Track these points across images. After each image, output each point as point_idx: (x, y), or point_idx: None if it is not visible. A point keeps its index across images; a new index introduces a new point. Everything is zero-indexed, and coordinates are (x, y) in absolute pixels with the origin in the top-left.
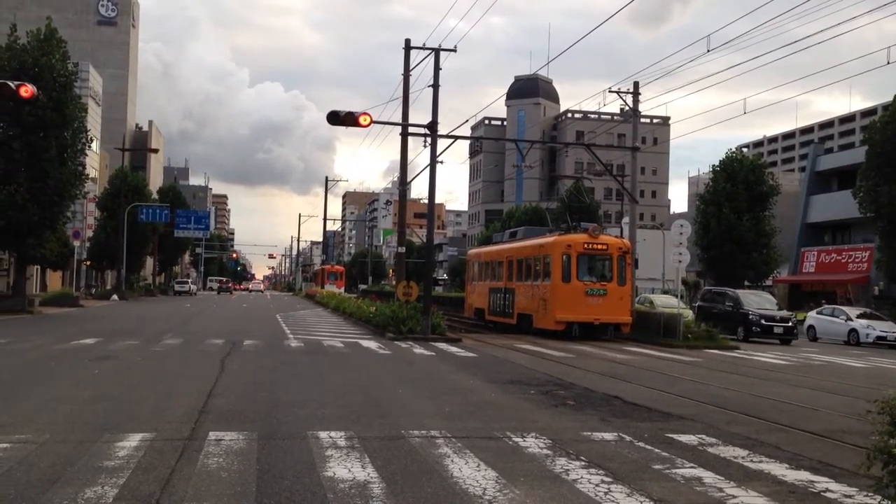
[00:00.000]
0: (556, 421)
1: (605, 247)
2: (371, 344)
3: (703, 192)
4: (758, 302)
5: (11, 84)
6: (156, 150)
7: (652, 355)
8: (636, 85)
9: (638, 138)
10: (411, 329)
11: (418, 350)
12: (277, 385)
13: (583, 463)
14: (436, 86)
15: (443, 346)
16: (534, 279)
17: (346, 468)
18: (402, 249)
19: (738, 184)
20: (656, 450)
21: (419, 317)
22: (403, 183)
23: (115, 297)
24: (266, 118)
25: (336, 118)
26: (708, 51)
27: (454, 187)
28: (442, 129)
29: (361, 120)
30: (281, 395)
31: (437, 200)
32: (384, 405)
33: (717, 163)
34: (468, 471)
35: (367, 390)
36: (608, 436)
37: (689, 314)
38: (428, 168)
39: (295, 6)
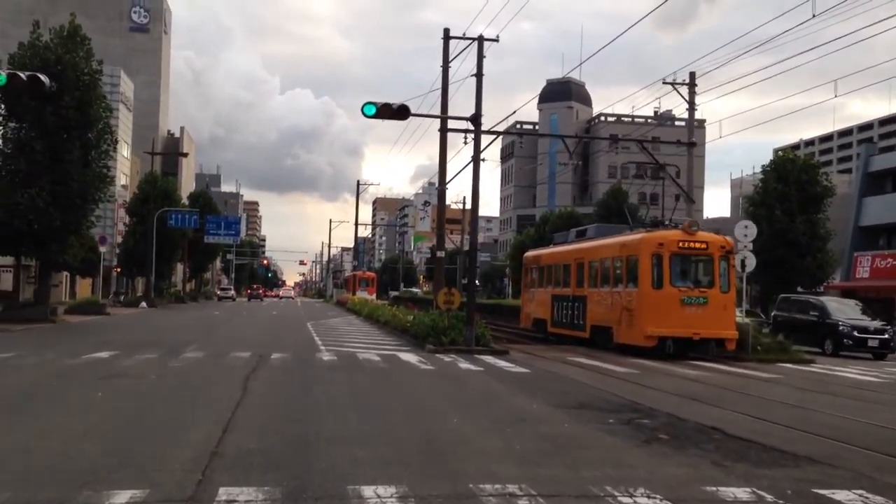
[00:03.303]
0: (660, 466)
1: (704, 245)
2: (410, 357)
3: (753, 193)
4: (844, 311)
5: (21, 74)
6: (185, 154)
7: (722, 371)
8: (692, 76)
9: (693, 133)
10: (453, 340)
11: (464, 365)
12: (308, 413)
13: None
14: (479, 75)
15: (489, 359)
16: (613, 285)
17: None
18: (442, 254)
19: (790, 184)
20: None
21: (461, 327)
22: (442, 183)
23: (143, 304)
24: (296, 125)
25: (372, 110)
26: (756, 46)
27: (483, 193)
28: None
29: (399, 112)
30: (312, 426)
31: (466, 206)
32: (440, 442)
33: (766, 163)
34: None
35: (415, 419)
36: (741, 493)
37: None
38: (471, 165)
39: (325, 14)
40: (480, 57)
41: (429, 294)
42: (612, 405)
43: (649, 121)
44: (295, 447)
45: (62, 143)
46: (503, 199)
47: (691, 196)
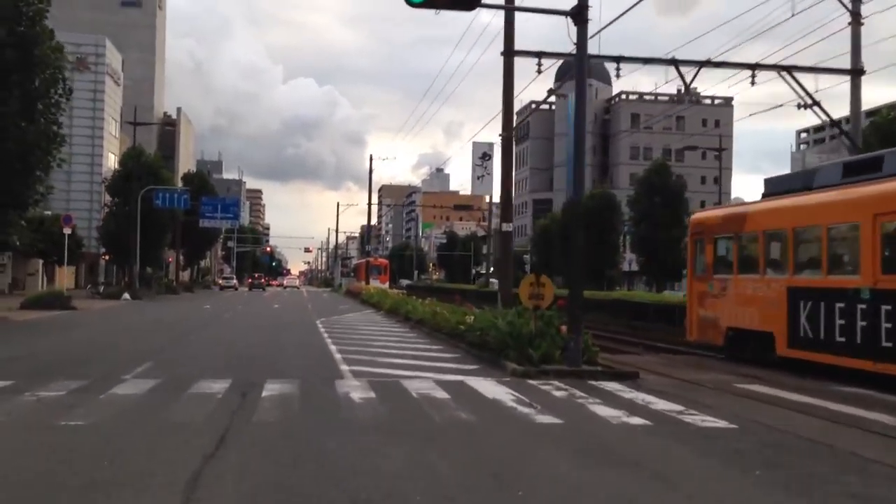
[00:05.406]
0: None
1: None
2: (495, 389)
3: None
4: None
5: None
6: (173, 124)
7: None
8: None
9: (860, 58)
10: (546, 355)
11: (600, 408)
12: None
13: None
14: None
15: (622, 392)
16: None
17: None
18: (510, 227)
19: None
20: None
21: (556, 334)
22: (509, 128)
23: (126, 296)
24: (299, 114)
25: None
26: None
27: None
28: (478, 125)
29: None
30: None
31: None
32: None
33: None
34: None
35: None
36: None
37: None
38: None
39: (327, 3)
40: None
41: (441, 282)
42: None
43: (673, 98)
44: None
45: None
46: (517, 183)
47: (856, 142)
